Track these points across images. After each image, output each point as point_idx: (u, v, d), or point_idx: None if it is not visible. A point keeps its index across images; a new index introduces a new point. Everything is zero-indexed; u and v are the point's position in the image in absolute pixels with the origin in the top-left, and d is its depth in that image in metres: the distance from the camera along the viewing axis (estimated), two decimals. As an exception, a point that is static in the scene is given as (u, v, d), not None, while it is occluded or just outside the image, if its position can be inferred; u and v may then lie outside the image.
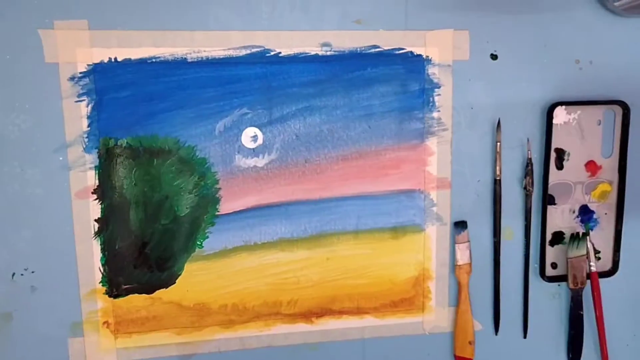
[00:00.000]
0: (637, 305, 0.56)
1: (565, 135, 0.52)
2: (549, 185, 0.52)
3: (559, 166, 0.52)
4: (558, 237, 0.54)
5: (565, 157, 0.52)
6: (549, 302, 0.55)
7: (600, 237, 0.54)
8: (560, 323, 0.55)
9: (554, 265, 0.54)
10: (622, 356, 0.57)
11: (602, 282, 0.53)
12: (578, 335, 0.54)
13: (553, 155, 0.52)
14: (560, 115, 0.51)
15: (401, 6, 0.49)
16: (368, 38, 0.49)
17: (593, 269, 0.53)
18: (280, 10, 0.47)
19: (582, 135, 0.52)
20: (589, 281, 0.53)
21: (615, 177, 0.53)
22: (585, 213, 0.53)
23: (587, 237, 0.53)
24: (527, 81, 0.51)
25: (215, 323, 0.50)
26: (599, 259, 0.54)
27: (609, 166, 0.53)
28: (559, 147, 0.52)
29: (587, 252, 0.52)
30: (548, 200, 0.52)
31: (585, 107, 0.52)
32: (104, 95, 0.46)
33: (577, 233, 0.53)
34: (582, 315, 0.53)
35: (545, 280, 0.53)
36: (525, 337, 0.55)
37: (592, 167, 0.53)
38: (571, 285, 0.52)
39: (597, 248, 0.54)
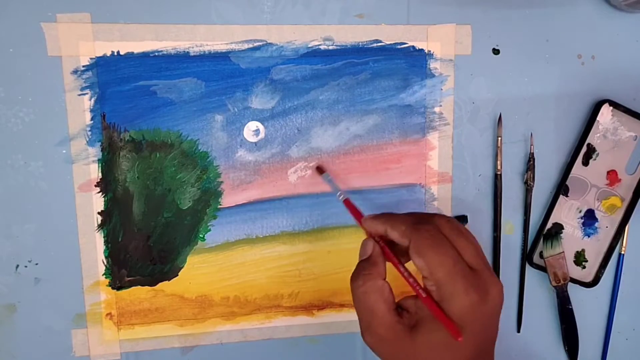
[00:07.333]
0: (636, 299, 0.56)
1: (602, 135, 0.52)
2: (569, 176, 0.52)
3: (585, 162, 0.52)
4: (555, 229, 0.53)
5: (593, 156, 0.52)
6: (549, 297, 0.55)
7: (594, 248, 0.54)
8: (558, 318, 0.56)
9: (542, 255, 0.53)
10: (621, 350, 0.57)
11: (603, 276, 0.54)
12: (571, 329, 0.54)
13: (584, 149, 0.52)
14: (606, 114, 0.51)
15: (403, 1, 0.49)
16: (370, 32, 0.49)
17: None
18: (283, 4, 0.47)
19: (616, 144, 0.52)
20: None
21: (628, 196, 0.53)
22: (589, 217, 0.53)
23: (561, 236, 0.53)
24: (529, 76, 0.51)
25: (217, 315, 0.51)
26: (584, 267, 0.54)
27: (628, 183, 0.53)
28: (592, 144, 0.52)
29: (563, 250, 0.52)
30: (563, 190, 0.52)
31: (630, 118, 0.51)
32: (106, 89, 0.46)
33: (550, 233, 0.53)
34: (571, 309, 0.54)
35: (532, 267, 0.53)
36: (519, 331, 0.55)
37: (612, 176, 0.53)
38: (553, 283, 0.53)
39: (587, 257, 0.54)
